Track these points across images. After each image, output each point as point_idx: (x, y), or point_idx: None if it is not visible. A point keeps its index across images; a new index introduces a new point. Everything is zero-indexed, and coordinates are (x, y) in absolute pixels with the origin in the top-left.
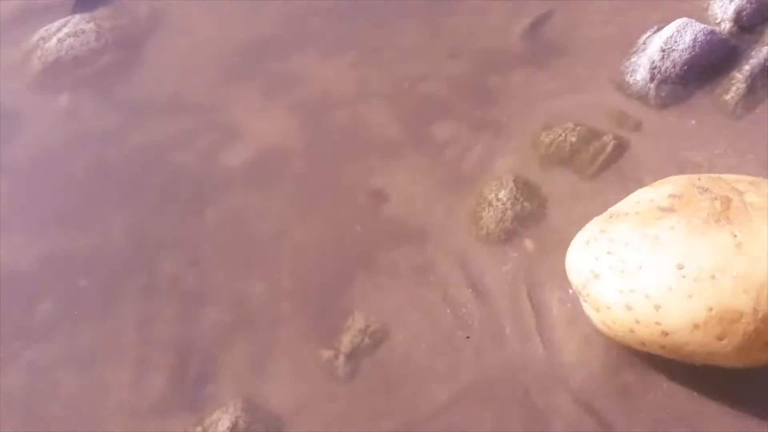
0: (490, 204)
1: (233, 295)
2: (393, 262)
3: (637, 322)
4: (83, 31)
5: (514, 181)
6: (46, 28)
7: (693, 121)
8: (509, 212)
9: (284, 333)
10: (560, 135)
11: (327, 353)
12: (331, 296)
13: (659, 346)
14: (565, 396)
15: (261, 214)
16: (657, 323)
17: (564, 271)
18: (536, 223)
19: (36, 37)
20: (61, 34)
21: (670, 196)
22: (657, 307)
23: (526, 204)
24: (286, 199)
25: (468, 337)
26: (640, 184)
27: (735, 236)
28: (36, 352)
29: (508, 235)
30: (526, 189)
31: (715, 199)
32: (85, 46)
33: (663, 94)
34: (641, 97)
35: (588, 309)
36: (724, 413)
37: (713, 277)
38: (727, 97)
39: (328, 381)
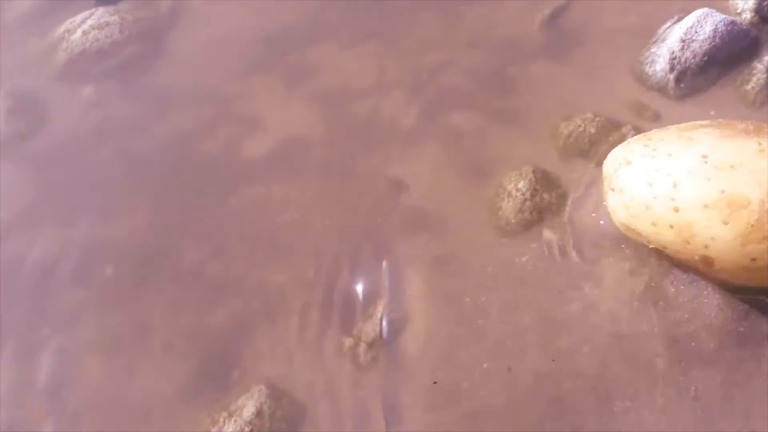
0: (509, 194)
1: (256, 284)
2: (413, 251)
3: (655, 197)
4: (107, 24)
5: (533, 171)
6: (71, 20)
7: (713, 112)
8: (528, 202)
9: (307, 321)
10: (579, 125)
11: (348, 341)
12: (352, 285)
13: (669, 224)
14: (584, 387)
15: (282, 203)
16: (672, 198)
17: (582, 259)
18: (555, 214)
19: (61, 29)
20: (86, 26)
21: (710, 121)
22: (675, 184)
23: (545, 194)
24: (307, 189)
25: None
26: None
27: (759, 144)
28: (63, 338)
29: (527, 225)
30: (545, 179)
31: (751, 124)
32: (110, 38)
33: (682, 84)
34: (661, 88)
35: (611, 198)
36: None
37: (732, 167)
38: (748, 87)
39: (350, 368)
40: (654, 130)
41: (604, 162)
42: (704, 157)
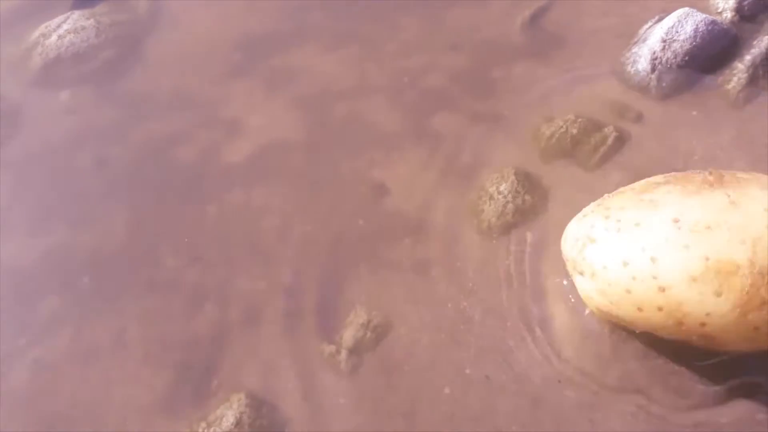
0: (491, 197)
1: (236, 291)
2: (394, 255)
3: (634, 278)
4: (83, 28)
5: (515, 173)
6: (46, 24)
7: (695, 112)
8: (510, 205)
9: (287, 328)
10: (561, 127)
11: (329, 348)
12: (332, 291)
13: (656, 307)
14: (565, 386)
15: (263, 209)
16: (654, 277)
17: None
18: (538, 216)
19: (36, 33)
20: (62, 30)
21: (664, 176)
22: (653, 260)
23: (527, 197)
24: (287, 194)
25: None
26: (642, 174)
27: (728, 196)
28: (40, 349)
29: (510, 228)
30: (527, 182)
31: (710, 174)
32: (86, 42)
33: (664, 84)
34: (642, 88)
35: (582, 284)
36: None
37: (708, 227)
38: (729, 86)
39: (331, 376)
40: (605, 196)
41: (562, 241)
42: (676, 221)
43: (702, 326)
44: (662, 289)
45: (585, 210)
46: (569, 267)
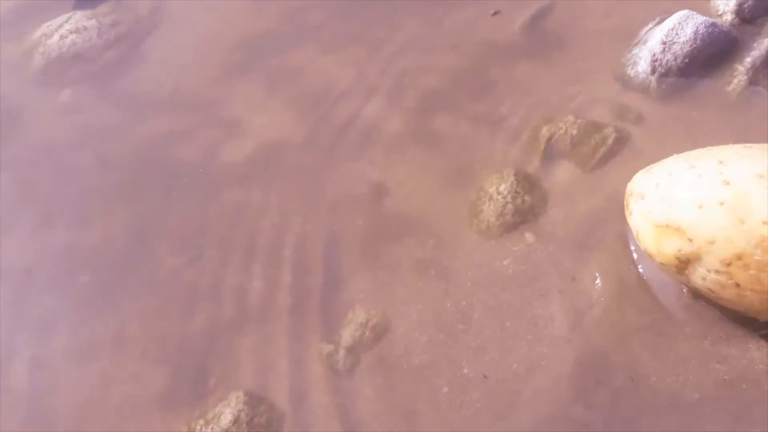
0: (490, 197)
1: (234, 290)
2: (394, 255)
3: (700, 176)
4: (85, 28)
5: (514, 174)
6: (47, 24)
7: (694, 113)
8: (510, 206)
9: (285, 327)
10: (561, 128)
11: (328, 347)
12: (331, 290)
13: (718, 201)
14: (565, 394)
15: (262, 208)
16: (720, 173)
17: (564, 262)
18: (537, 217)
19: (38, 33)
20: (63, 30)
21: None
22: (720, 162)
23: (526, 197)
24: (287, 194)
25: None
26: None
27: None
28: (38, 347)
29: (509, 229)
30: (526, 182)
31: None
32: (87, 42)
33: (664, 86)
34: (642, 90)
35: (639, 208)
36: None
37: None
38: (729, 88)
39: (329, 374)
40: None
41: (628, 186)
42: (747, 146)
43: (764, 224)
44: (727, 183)
45: None
46: (628, 206)
